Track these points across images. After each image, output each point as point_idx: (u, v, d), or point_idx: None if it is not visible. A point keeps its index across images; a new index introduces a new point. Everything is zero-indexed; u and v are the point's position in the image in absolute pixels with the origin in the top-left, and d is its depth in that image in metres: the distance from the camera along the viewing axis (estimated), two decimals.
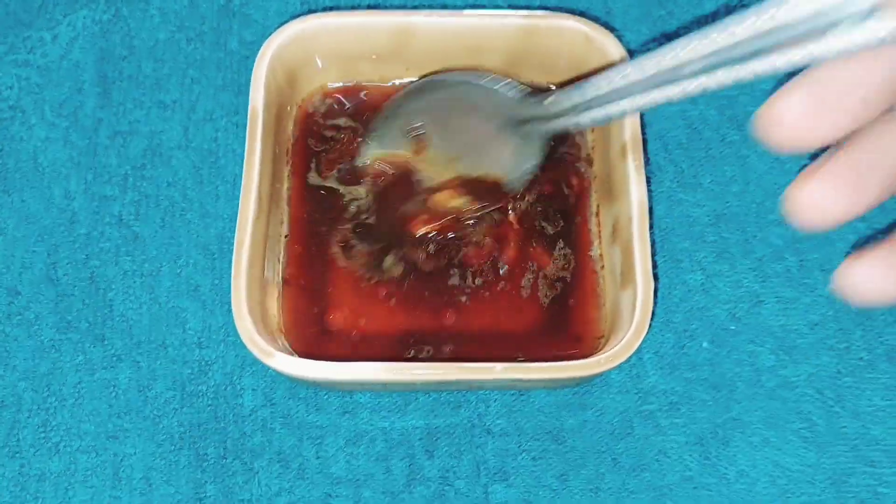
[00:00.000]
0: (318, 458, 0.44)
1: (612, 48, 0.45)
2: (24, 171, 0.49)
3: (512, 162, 0.45)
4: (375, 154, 0.47)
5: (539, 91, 0.44)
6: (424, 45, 0.47)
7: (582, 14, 0.48)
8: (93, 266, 0.48)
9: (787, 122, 0.29)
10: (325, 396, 0.45)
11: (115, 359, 0.46)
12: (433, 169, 0.47)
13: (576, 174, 0.48)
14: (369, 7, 0.53)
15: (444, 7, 0.52)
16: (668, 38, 0.50)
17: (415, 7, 0.53)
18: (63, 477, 0.44)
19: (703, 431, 0.45)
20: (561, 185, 0.47)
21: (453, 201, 0.46)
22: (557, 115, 0.41)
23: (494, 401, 0.45)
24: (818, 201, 0.30)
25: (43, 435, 0.45)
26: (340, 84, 0.49)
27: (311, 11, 0.52)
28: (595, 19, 0.47)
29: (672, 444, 0.45)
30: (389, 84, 0.49)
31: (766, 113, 0.29)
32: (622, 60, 0.45)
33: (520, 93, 0.44)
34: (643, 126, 0.45)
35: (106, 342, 0.46)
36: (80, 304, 0.47)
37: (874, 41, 0.26)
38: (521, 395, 0.45)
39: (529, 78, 0.49)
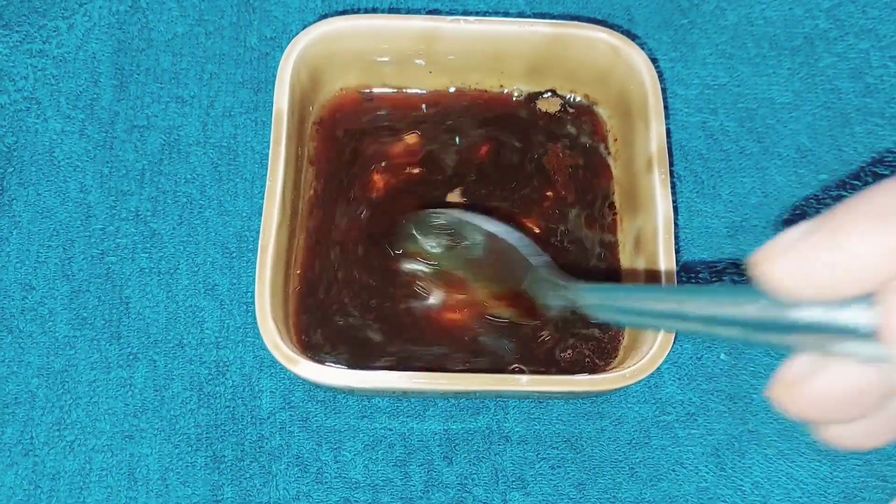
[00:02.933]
0: (336, 462, 0.44)
1: (639, 61, 0.45)
2: (40, 164, 0.49)
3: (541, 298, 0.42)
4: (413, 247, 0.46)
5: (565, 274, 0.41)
6: (449, 50, 0.47)
7: (604, 22, 0.48)
8: (109, 262, 0.47)
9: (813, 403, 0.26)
10: (344, 400, 0.45)
11: (131, 357, 0.45)
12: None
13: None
14: (390, 6, 0.53)
15: (466, 12, 0.52)
16: (692, 49, 0.51)
17: (434, 10, 0.53)
18: (78, 476, 0.44)
19: (719, 443, 0.45)
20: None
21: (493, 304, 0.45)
22: (577, 304, 0.38)
23: (513, 408, 0.45)
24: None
25: (57, 433, 0.44)
26: (362, 85, 0.49)
27: (332, 10, 0.52)
28: (617, 27, 0.47)
29: (688, 455, 0.45)
30: (411, 90, 0.49)
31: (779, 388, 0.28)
32: (649, 73, 0.45)
33: (549, 269, 0.41)
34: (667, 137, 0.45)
35: (122, 340, 0.46)
36: (96, 300, 0.46)
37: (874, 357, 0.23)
38: (540, 402, 0.46)
39: (552, 86, 0.49)
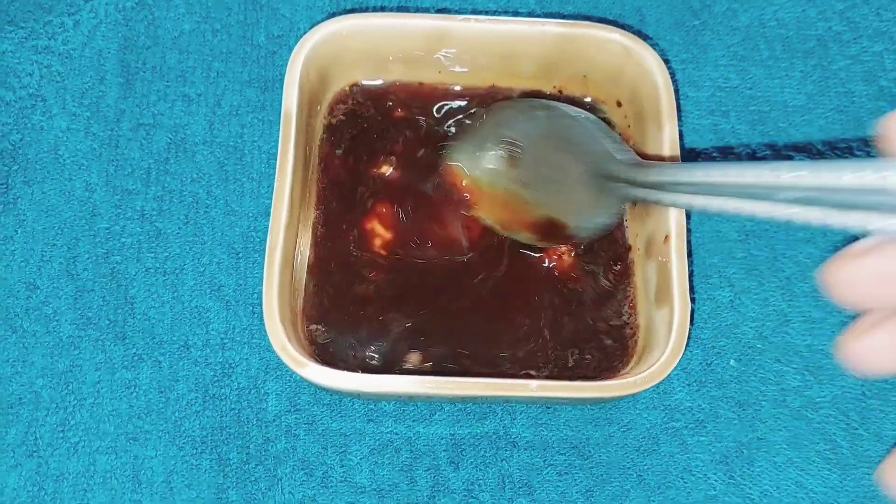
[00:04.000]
0: (342, 466, 0.44)
1: (652, 61, 0.45)
2: (45, 162, 0.48)
3: (587, 213, 0.44)
4: (460, 160, 0.46)
5: (640, 156, 0.43)
6: (459, 49, 0.46)
7: (615, 22, 0.47)
8: (114, 262, 0.47)
9: (859, 284, 0.28)
10: (350, 403, 0.45)
11: (136, 358, 0.45)
12: (509, 194, 0.45)
13: None
14: (399, 4, 0.52)
15: (476, 11, 0.52)
16: (703, 51, 0.50)
17: (443, 8, 0.52)
18: (82, 478, 0.43)
19: (728, 450, 0.45)
20: None
21: (517, 233, 0.45)
22: (647, 185, 0.40)
23: (520, 413, 0.45)
24: (876, 352, 0.29)
25: (61, 434, 0.44)
26: (370, 85, 0.48)
27: (339, 6, 0.51)
28: (628, 27, 0.47)
29: (697, 463, 0.45)
30: (422, 87, 0.48)
31: (838, 271, 0.28)
32: (661, 74, 0.44)
33: (621, 149, 0.43)
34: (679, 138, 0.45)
35: (127, 341, 0.45)
36: (101, 300, 0.46)
37: None
38: (548, 407, 0.45)
39: (563, 86, 0.48)
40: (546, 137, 0.45)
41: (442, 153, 0.46)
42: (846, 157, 0.27)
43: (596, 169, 0.43)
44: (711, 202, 0.35)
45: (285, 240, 0.41)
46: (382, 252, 0.45)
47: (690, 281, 0.46)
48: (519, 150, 0.45)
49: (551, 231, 0.45)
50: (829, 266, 0.28)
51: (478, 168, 0.45)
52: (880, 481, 0.30)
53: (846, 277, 0.28)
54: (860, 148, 0.50)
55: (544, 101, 0.46)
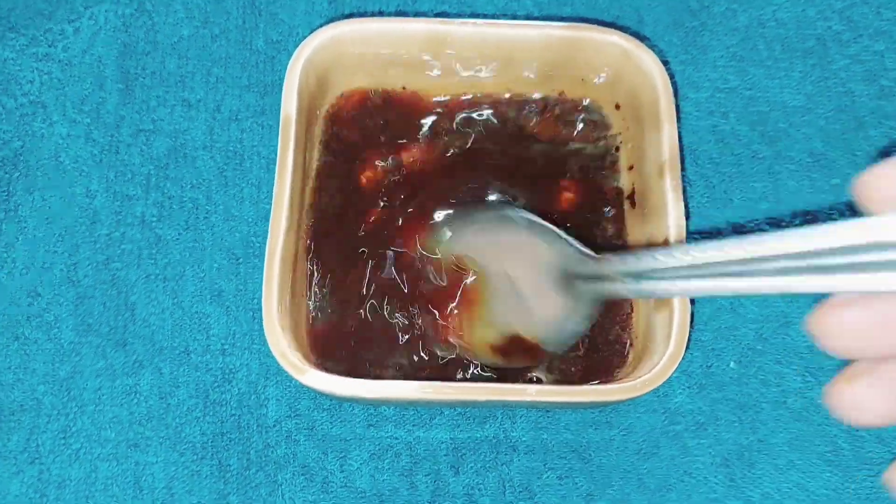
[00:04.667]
0: (342, 471, 0.44)
1: (651, 63, 0.44)
2: (46, 169, 0.48)
3: (555, 322, 0.42)
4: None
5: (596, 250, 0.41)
6: (458, 53, 0.46)
7: (613, 24, 0.47)
8: (114, 268, 0.47)
9: (848, 333, 0.28)
10: (350, 408, 0.45)
11: (136, 365, 0.45)
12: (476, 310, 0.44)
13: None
14: (398, 8, 0.52)
15: (474, 14, 0.51)
16: (702, 51, 0.50)
17: (441, 12, 0.52)
18: (83, 484, 0.43)
19: (728, 453, 0.45)
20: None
21: (482, 356, 0.44)
22: (611, 278, 0.38)
23: (520, 417, 0.45)
24: (862, 404, 0.28)
25: (63, 441, 0.44)
26: (370, 90, 0.48)
27: (337, 12, 0.51)
28: (626, 29, 0.46)
29: (698, 466, 0.45)
30: (422, 92, 0.48)
31: (825, 319, 0.28)
32: (661, 76, 0.44)
33: (579, 249, 0.41)
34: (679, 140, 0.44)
35: (127, 347, 0.45)
36: (101, 307, 0.46)
37: None
38: (548, 411, 0.45)
39: (562, 89, 0.48)
40: (506, 250, 0.43)
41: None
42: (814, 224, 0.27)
43: (564, 273, 0.41)
44: (691, 285, 0.33)
45: (285, 245, 0.41)
46: (381, 252, 0.45)
47: None
48: (475, 269, 0.44)
49: (517, 349, 0.42)
50: (814, 315, 0.28)
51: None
52: (888, 485, 0.30)
53: (831, 327, 0.28)
54: (861, 148, 0.50)
55: (500, 212, 0.44)
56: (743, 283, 0.30)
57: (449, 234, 0.44)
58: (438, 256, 0.44)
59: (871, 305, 0.27)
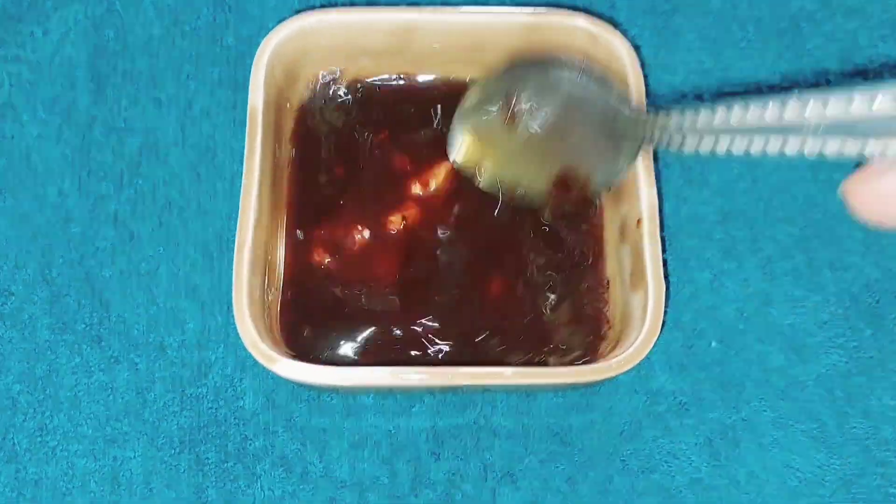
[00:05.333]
0: (321, 461, 0.43)
1: (619, 46, 0.44)
2: (17, 170, 0.48)
3: (604, 160, 0.42)
4: (466, 127, 0.44)
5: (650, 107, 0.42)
6: (427, 41, 0.46)
7: (586, 9, 0.47)
8: (88, 266, 0.46)
9: (886, 199, 0.28)
10: (329, 398, 0.45)
11: (112, 361, 0.45)
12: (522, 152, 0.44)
13: None
14: (369, 3, 0.52)
15: (446, 3, 0.51)
16: (676, 34, 0.50)
17: (413, 2, 0.52)
18: (61, 482, 0.43)
19: (712, 432, 0.44)
20: None
21: (531, 186, 0.44)
22: (660, 132, 0.39)
23: (501, 402, 0.45)
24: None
25: (39, 439, 0.44)
26: (340, 81, 0.48)
27: (308, 6, 0.51)
28: (599, 14, 0.46)
29: (681, 446, 0.44)
30: (391, 81, 0.48)
31: (861, 186, 0.29)
32: (629, 58, 0.44)
33: (630, 107, 0.42)
34: None
35: (103, 343, 0.45)
36: (76, 304, 0.46)
37: None
38: (528, 395, 0.45)
39: None
40: (560, 94, 0.43)
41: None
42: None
43: (610, 122, 0.42)
44: (722, 141, 0.35)
45: (255, 237, 0.41)
46: (356, 244, 0.45)
47: (666, 263, 0.46)
48: (534, 104, 0.43)
49: (567, 182, 0.43)
50: (848, 183, 0.29)
51: (490, 124, 0.44)
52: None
53: (866, 195, 0.28)
54: None
55: (554, 60, 0.44)
56: (779, 142, 0.31)
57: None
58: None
59: None
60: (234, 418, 0.44)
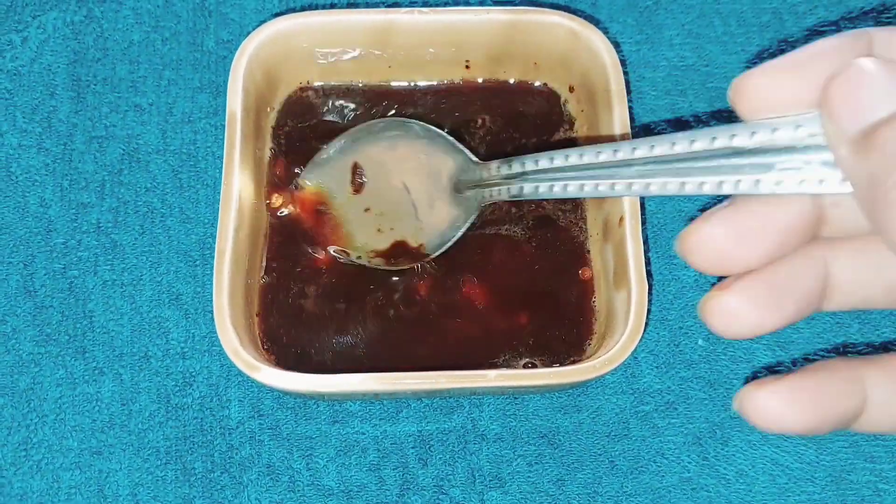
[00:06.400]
0: (308, 469, 0.43)
1: (599, 43, 0.44)
2: None
3: (440, 228, 0.44)
4: (313, 183, 0.45)
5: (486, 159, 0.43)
6: (406, 43, 0.46)
7: (566, 7, 0.47)
8: (71, 276, 0.46)
9: (710, 247, 0.29)
10: (315, 406, 0.44)
11: (96, 372, 0.45)
12: (360, 220, 0.45)
13: None
14: (349, 5, 0.52)
15: (427, 4, 0.51)
16: (657, 30, 0.50)
17: (394, 3, 0.52)
18: (46, 496, 0.43)
19: (700, 431, 0.44)
20: None
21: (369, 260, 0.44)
22: (493, 182, 0.41)
23: (488, 405, 0.44)
24: (734, 312, 0.29)
25: (24, 453, 0.43)
26: (321, 84, 0.48)
27: (289, 10, 0.51)
28: (580, 12, 0.46)
29: (669, 445, 0.44)
30: (374, 83, 0.48)
31: (690, 237, 0.29)
32: (609, 55, 0.44)
33: (468, 157, 0.43)
34: (632, 120, 0.44)
35: (87, 355, 0.45)
36: (59, 315, 0.45)
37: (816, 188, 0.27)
38: (515, 398, 0.45)
39: (515, 75, 0.48)
40: (396, 160, 0.45)
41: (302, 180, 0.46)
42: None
43: (454, 180, 0.44)
44: (558, 186, 0.37)
45: (235, 243, 0.40)
46: (334, 254, 0.44)
47: (650, 261, 0.46)
48: (364, 178, 0.45)
49: (402, 253, 0.44)
50: (680, 235, 0.29)
51: (337, 186, 0.45)
52: (738, 410, 0.29)
53: (693, 244, 0.29)
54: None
55: (398, 120, 0.46)
56: (605, 184, 0.33)
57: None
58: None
59: (730, 220, 0.29)
60: (220, 427, 0.44)
